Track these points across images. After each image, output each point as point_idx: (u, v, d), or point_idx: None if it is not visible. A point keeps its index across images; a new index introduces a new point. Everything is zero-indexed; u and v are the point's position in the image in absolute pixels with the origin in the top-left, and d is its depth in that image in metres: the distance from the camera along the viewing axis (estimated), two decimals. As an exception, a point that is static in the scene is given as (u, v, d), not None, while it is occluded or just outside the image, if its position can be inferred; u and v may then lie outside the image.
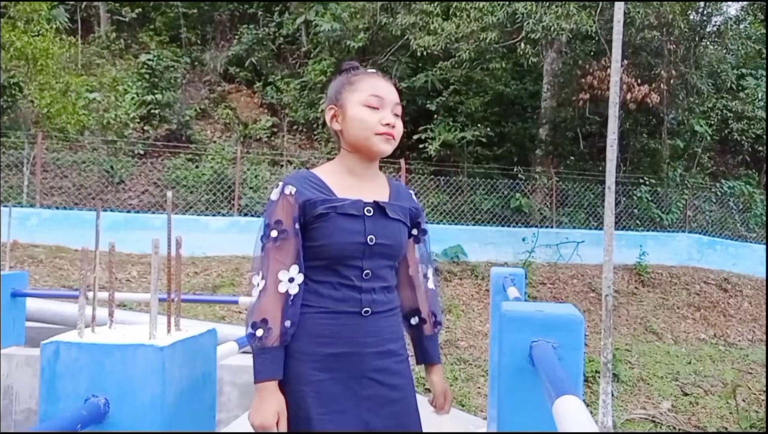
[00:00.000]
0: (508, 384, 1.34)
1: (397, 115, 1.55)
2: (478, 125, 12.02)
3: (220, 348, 1.73)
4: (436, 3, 11.57)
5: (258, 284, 1.44)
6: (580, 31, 10.63)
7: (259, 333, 1.40)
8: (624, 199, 11.69)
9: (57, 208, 10.04)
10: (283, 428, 1.41)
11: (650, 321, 9.79)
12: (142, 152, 11.87)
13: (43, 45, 10.64)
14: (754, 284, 11.17)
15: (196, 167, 11.46)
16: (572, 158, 12.94)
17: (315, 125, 13.71)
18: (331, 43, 13.30)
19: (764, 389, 8.18)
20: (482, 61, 12.30)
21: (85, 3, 15.61)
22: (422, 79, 12.61)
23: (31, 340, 4.39)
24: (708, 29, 12.21)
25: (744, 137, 13.28)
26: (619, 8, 6.37)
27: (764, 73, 13.42)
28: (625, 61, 9.94)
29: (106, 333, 1.40)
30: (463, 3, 11.25)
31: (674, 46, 11.28)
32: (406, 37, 11.73)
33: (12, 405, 4.25)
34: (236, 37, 15.27)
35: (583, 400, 0.99)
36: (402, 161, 11.11)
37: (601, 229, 8.71)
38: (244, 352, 2.08)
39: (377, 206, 1.52)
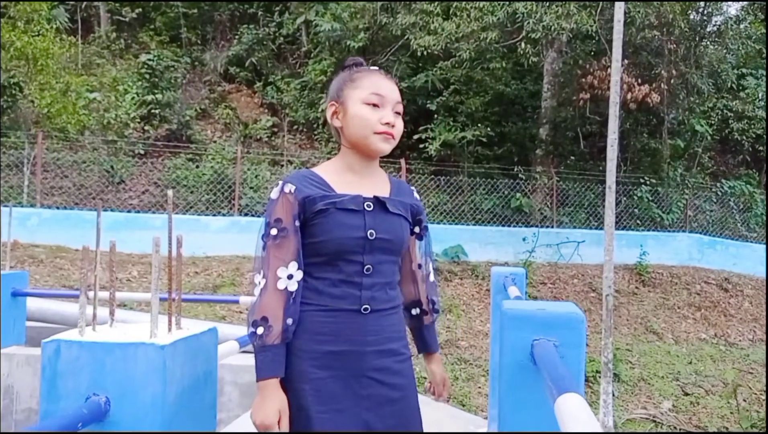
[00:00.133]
0: (509, 382, 1.33)
1: (398, 114, 1.55)
2: (479, 124, 12.01)
3: (220, 347, 1.72)
4: (436, 3, 11.55)
5: (259, 283, 1.44)
6: (581, 30, 10.61)
7: (260, 330, 1.40)
8: (624, 199, 11.68)
9: (57, 208, 10.04)
10: (285, 426, 1.41)
11: (651, 321, 9.78)
12: (142, 152, 11.87)
13: (43, 45, 10.64)
14: (754, 284, 11.16)
15: (197, 166, 11.46)
16: (573, 157, 12.93)
17: (315, 125, 13.70)
18: (331, 43, 13.30)
19: (765, 389, 8.17)
20: (482, 61, 12.29)
21: (85, 3, 15.61)
22: (422, 79, 12.60)
23: (32, 340, 4.39)
24: (708, 29, 12.20)
25: (744, 137, 13.27)
26: (619, 8, 6.36)
27: (764, 72, 13.40)
28: (626, 61, 9.94)
29: (107, 331, 1.40)
30: (464, 3, 11.23)
31: (674, 45, 11.27)
32: (406, 37, 11.71)
33: (12, 404, 4.25)
34: (236, 37, 15.27)
35: (585, 398, 0.98)
36: (402, 160, 11.10)
37: (601, 229, 8.71)
38: (244, 351, 2.08)
39: (377, 200, 1.52)
